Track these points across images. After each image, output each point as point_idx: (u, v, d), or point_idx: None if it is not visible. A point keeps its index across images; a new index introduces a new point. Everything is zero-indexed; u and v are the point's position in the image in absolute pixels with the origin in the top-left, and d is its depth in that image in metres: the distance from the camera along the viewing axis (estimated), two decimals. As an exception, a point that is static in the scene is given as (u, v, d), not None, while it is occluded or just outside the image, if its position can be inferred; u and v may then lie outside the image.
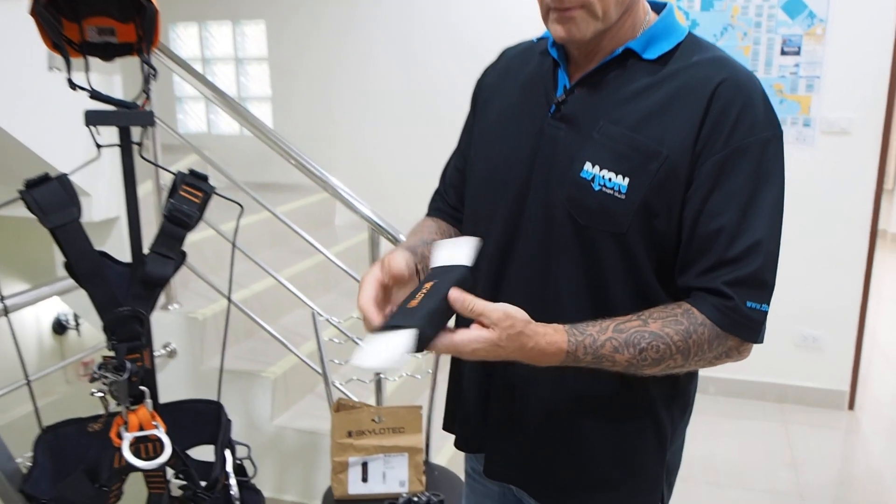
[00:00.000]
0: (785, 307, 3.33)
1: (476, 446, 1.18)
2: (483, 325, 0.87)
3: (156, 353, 2.48)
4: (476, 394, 1.14)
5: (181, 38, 4.22)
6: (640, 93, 0.97)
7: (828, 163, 3.16)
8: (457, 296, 0.87)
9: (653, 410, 1.06)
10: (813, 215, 3.22)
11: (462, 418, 1.19)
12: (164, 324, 2.50)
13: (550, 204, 1.00)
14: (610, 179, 0.95)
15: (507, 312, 0.87)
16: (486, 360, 0.89)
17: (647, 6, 1.03)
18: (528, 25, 1.09)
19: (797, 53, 3.09)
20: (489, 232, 1.08)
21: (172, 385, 2.52)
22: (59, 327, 4.71)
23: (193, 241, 2.81)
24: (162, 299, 2.53)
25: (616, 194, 0.94)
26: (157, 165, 1.37)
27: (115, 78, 2.44)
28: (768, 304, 0.94)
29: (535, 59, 1.10)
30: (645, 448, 1.07)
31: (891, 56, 2.99)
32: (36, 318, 4.68)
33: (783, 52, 3.10)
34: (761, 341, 0.95)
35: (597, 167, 0.96)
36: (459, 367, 1.21)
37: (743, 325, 0.93)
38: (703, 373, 1.22)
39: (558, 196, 0.99)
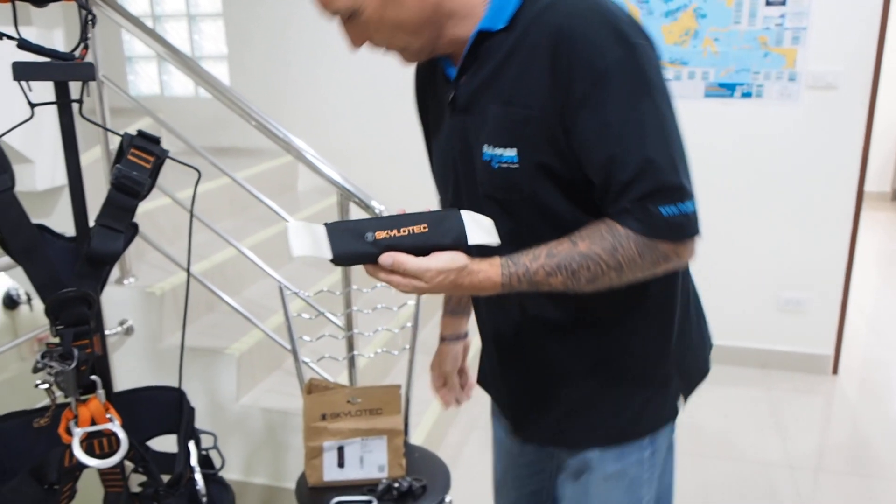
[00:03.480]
0: (767, 270, 3.28)
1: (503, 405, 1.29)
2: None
3: (112, 331, 2.33)
4: (492, 359, 1.25)
5: (129, -8, 3.96)
6: (503, 64, 0.99)
7: (814, 119, 3.07)
8: (389, 262, 0.94)
9: (650, 313, 1.11)
10: (797, 174, 3.15)
11: (489, 381, 1.32)
12: (120, 299, 2.34)
13: (474, 189, 1.07)
14: (502, 154, 1.00)
15: (440, 269, 0.95)
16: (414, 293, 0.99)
17: None
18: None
19: (783, 3, 2.97)
20: None
21: (130, 365, 2.37)
22: (10, 302, 4.49)
23: (147, 209, 2.64)
24: (116, 273, 2.37)
25: (511, 166, 1.00)
26: (100, 126, 1.21)
27: (57, 32, 2.23)
28: (687, 202, 0.95)
29: (433, 66, 1.16)
30: (649, 351, 1.12)
31: (880, 5, 2.89)
32: (-17, 293, 4.45)
33: (768, 3, 2.98)
34: (696, 233, 0.97)
35: (491, 147, 1.01)
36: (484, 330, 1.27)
37: (664, 228, 0.95)
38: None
39: (477, 180, 1.06)
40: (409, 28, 1.01)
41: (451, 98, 1.06)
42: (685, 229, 0.95)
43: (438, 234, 0.96)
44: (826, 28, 2.96)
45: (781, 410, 3.03)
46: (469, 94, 1.04)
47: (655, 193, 0.93)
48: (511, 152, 0.99)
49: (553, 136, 0.96)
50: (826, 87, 3.02)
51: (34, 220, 1.14)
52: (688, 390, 1.19)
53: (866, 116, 3.00)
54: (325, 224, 0.95)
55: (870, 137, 3.02)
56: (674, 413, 1.17)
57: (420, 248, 0.95)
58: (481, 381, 1.37)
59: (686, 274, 1.16)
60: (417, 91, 1.23)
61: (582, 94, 0.93)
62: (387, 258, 0.94)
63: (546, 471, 1.36)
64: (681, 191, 0.94)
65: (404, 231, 0.95)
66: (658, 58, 0.97)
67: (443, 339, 1.47)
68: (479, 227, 0.98)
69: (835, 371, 3.35)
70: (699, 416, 2.97)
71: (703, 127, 3.20)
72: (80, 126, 1.19)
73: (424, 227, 0.95)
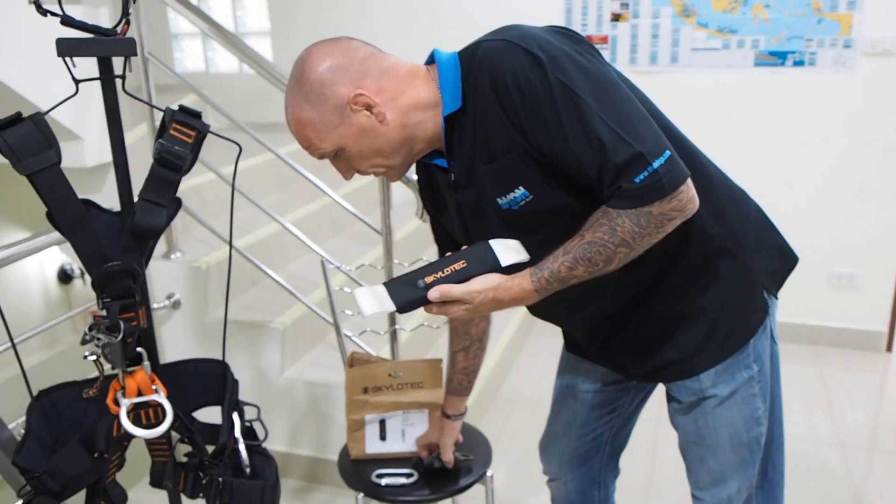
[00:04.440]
0: (817, 245, 3.19)
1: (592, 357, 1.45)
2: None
3: (160, 305, 2.38)
4: (597, 333, 1.35)
5: (174, -30, 3.99)
6: (472, 134, 1.13)
7: (870, 87, 2.95)
8: (437, 295, 1.11)
9: (709, 241, 1.22)
10: (850, 145, 3.04)
11: (589, 350, 1.42)
12: (167, 273, 2.38)
13: (506, 230, 1.19)
14: (515, 196, 1.14)
15: (479, 290, 1.12)
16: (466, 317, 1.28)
17: (428, 71, 1.17)
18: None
19: (838, -32, 2.86)
20: None
21: (178, 337, 2.42)
22: (65, 276, 4.63)
23: (193, 185, 2.69)
24: (164, 248, 2.41)
25: (528, 200, 1.13)
26: (142, 101, 1.22)
27: (102, 10, 2.26)
28: (654, 161, 1.01)
29: (427, 167, 1.33)
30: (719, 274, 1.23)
31: (941, -31, 2.75)
32: (40, 267, 4.59)
33: (822, -33, 2.87)
34: (679, 182, 1.03)
35: (503, 197, 1.15)
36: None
37: (644, 195, 1.03)
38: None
39: (505, 226, 1.19)
40: (387, 151, 1.15)
41: (452, 180, 1.21)
42: (663, 185, 1.02)
43: (475, 265, 1.13)
44: (884, -9, 2.83)
45: (833, 388, 2.96)
46: (464, 170, 1.18)
47: (621, 173, 1.02)
48: (521, 191, 1.13)
49: (538, 160, 1.09)
50: (884, 54, 2.89)
51: (84, 196, 1.16)
52: (775, 286, 1.30)
53: (927, 83, 2.87)
54: (384, 283, 1.14)
55: (930, 106, 2.88)
56: (765, 310, 1.27)
57: (464, 281, 1.12)
58: (574, 350, 1.49)
59: (728, 192, 1.26)
60: (421, 190, 1.40)
61: (531, 122, 1.06)
62: (434, 292, 1.11)
63: (616, 411, 1.52)
64: (640, 158, 1.01)
65: (448, 271, 1.13)
66: (571, 52, 1.07)
67: (447, 416, 1.63)
68: (509, 250, 1.15)
69: (889, 348, 3.26)
70: (746, 394, 2.91)
71: (752, 97, 3.10)
72: (128, 104, 1.20)
73: (463, 263, 1.13)
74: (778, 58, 3.02)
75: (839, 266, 3.20)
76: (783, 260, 1.32)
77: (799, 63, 3.00)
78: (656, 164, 1.01)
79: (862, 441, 2.59)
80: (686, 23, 3.08)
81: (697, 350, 1.26)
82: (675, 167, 1.03)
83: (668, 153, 1.03)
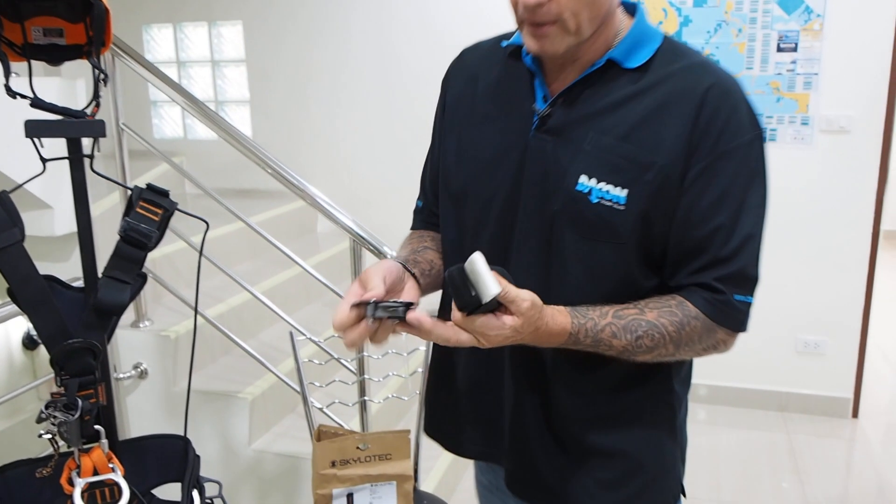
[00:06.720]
0: (784, 313, 3.24)
1: (486, 455, 1.19)
2: (510, 312, 0.86)
3: (125, 375, 2.35)
4: (489, 401, 1.13)
5: (155, 40, 4.07)
6: (626, 101, 0.97)
7: (827, 162, 3.07)
8: (504, 294, 0.86)
9: (669, 391, 1.08)
10: (812, 217, 3.13)
11: (467, 424, 1.19)
12: (135, 343, 2.36)
13: (545, 216, 1.00)
14: (608, 192, 0.95)
15: (534, 301, 0.87)
16: (499, 346, 0.89)
17: (621, 9, 1.01)
18: (506, 24, 1.02)
19: (794, 50, 3.00)
20: (476, 243, 1.07)
21: (144, 408, 2.38)
22: (30, 342, 4.54)
23: (165, 252, 2.69)
24: (132, 317, 2.40)
25: (615, 206, 0.95)
26: (110, 180, 1.24)
27: (79, 83, 2.30)
28: (753, 296, 0.99)
29: (503, 63, 1.09)
30: (661, 431, 1.09)
31: (891, 51, 2.90)
32: (5, 333, 4.51)
33: (779, 49, 3.01)
34: (745, 329, 0.99)
35: (593, 179, 0.96)
36: (453, 366, 1.19)
37: (732, 317, 0.97)
38: (697, 379, 1.23)
39: (552, 209, 0.99)
40: (595, 14, 0.93)
41: (543, 114, 1.00)
42: (744, 321, 0.99)
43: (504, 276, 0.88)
44: (838, 73, 2.98)
45: (801, 454, 2.96)
46: (569, 117, 0.99)
47: (737, 278, 0.96)
48: (621, 193, 0.95)
49: (669, 191, 0.94)
50: (839, 131, 3.02)
51: (53, 265, 1.16)
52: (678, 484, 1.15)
53: (880, 158, 2.99)
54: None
55: (885, 179, 3.00)
56: (675, 501, 1.13)
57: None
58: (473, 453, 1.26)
59: (689, 375, 1.14)
60: (464, 80, 1.13)
61: (710, 161, 0.94)
62: (500, 291, 0.84)
63: None
64: (755, 283, 0.99)
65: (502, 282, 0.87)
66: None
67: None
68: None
69: (854, 414, 3.29)
70: (717, 460, 2.91)
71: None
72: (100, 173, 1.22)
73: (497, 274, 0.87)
74: (740, 132, 3.13)
75: (804, 333, 3.25)
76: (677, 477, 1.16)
77: (760, 138, 3.12)
78: (752, 299, 0.99)
79: (834, 510, 2.59)
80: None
81: (601, 495, 1.08)
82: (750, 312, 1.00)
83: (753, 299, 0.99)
